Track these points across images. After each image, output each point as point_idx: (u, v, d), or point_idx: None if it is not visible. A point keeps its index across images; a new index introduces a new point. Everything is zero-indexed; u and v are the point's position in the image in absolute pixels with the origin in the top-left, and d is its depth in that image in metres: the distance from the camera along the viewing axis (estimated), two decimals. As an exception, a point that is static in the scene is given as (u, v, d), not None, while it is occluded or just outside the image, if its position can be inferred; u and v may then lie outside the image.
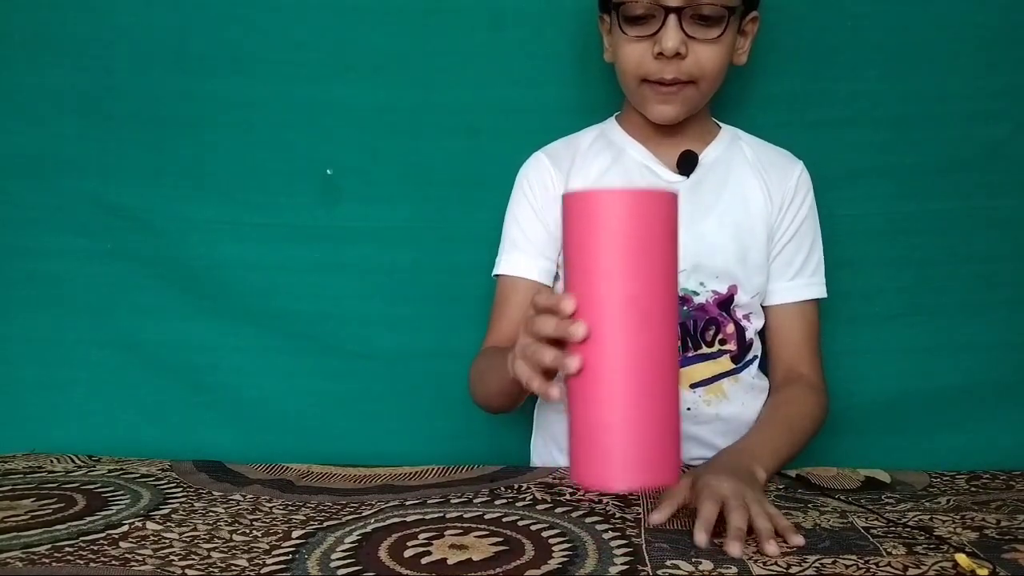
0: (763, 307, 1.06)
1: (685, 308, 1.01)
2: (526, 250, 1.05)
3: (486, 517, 0.79)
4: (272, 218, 1.18)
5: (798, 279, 1.05)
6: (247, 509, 0.82)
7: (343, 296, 1.18)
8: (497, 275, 1.07)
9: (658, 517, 0.76)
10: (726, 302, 1.02)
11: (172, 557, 0.70)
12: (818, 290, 1.06)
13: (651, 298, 0.64)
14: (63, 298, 1.17)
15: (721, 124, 1.10)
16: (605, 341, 0.64)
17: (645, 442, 0.64)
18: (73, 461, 0.99)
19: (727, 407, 1.02)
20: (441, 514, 0.79)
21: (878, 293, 1.16)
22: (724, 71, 1.00)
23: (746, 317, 1.04)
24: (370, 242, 1.18)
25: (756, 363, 1.06)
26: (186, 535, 0.75)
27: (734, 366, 1.03)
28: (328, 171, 1.17)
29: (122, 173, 1.17)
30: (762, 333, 1.06)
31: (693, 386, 1.02)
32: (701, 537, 0.71)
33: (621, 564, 0.68)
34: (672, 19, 0.94)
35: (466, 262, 1.15)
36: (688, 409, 1.01)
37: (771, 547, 0.70)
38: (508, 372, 0.78)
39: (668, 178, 1.04)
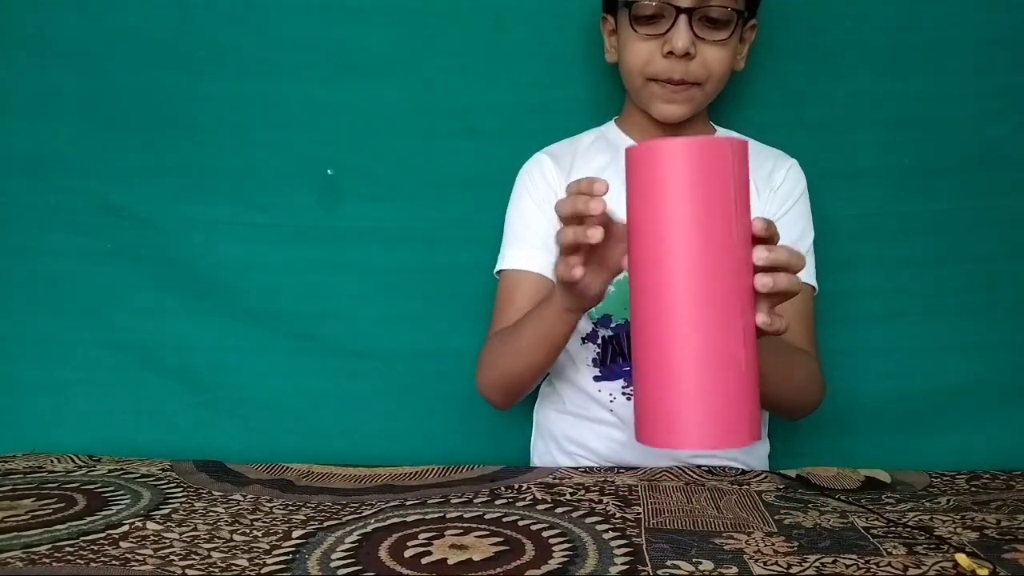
0: None
1: None
2: (531, 243, 1.05)
3: (486, 517, 0.79)
4: (273, 218, 1.18)
5: None
6: (247, 509, 0.82)
7: (344, 296, 1.18)
8: (500, 271, 1.07)
9: None
10: None
11: (172, 557, 0.70)
12: (808, 276, 1.02)
13: (719, 250, 0.63)
14: (63, 298, 1.18)
15: (717, 127, 1.11)
16: (675, 291, 0.63)
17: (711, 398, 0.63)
18: (73, 461, 0.99)
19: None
20: (441, 514, 0.79)
21: (878, 293, 1.16)
22: (728, 74, 1.02)
23: None
24: (371, 242, 1.18)
25: None
26: (186, 535, 0.75)
27: None
28: (329, 171, 1.17)
29: (123, 173, 1.17)
30: None
31: None
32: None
33: (621, 564, 0.68)
34: (683, 19, 0.95)
35: (467, 262, 1.15)
36: None
37: None
38: (551, 309, 0.86)
39: None
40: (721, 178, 0.63)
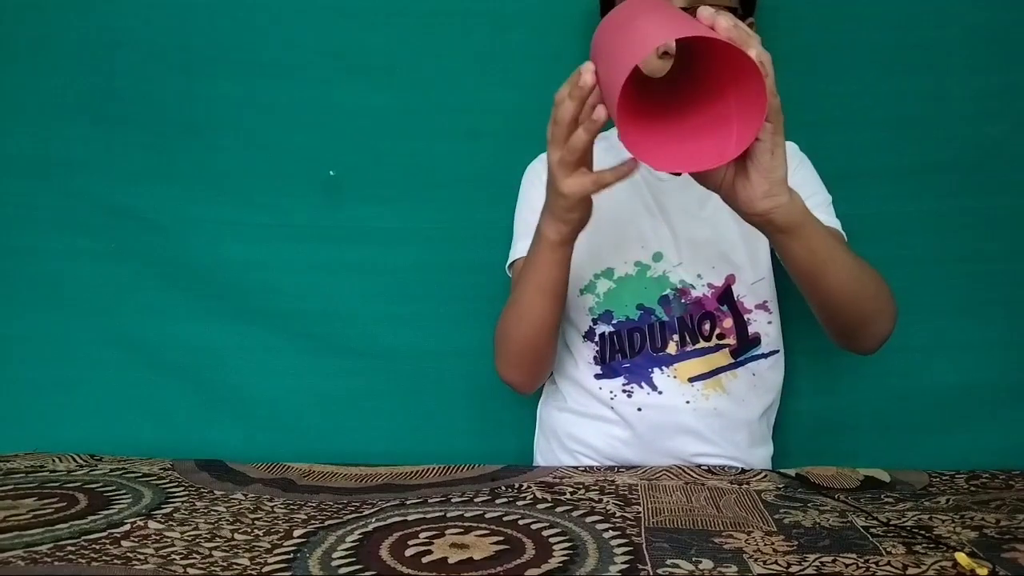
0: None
1: (683, 301, 1.02)
2: None
3: (487, 516, 0.79)
4: (275, 218, 1.18)
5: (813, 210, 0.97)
6: (249, 508, 0.82)
7: (346, 296, 1.19)
8: (512, 263, 1.06)
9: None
10: (725, 295, 1.02)
11: (174, 556, 0.70)
12: (837, 224, 1.00)
13: None
14: (66, 298, 1.18)
15: None
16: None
17: None
18: (75, 460, 0.99)
19: (725, 402, 1.03)
20: (442, 513, 0.80)
21: (877, 293, 1.16)
22: None
23: (755, 308, 1.03)
24: (373, 242, 1.18)
25: (767, 359, 1.04)
26: (188, 534, 0.75)
27: (732, 360, 1.03)
28: (331, 172, 1.18)
29: (126, 174, 1.18)
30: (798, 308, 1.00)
31: (691, 380, 1.02)
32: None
33: (621, 563, 0.68)
34: None
35: (468, 262, 1.15)
36: (687, 402, 1.02)
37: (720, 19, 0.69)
38: (540, 254, 0.87)
39: (662, 176, 1.05)
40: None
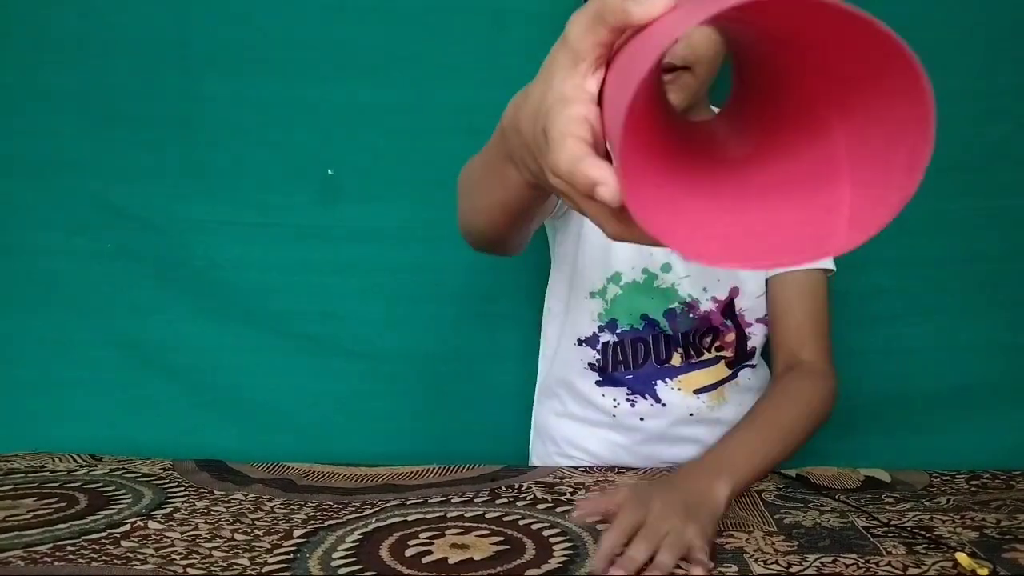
0: (765, 283, 1.02)
1: (690, 316, 1.01)
2: None
3: (487, 516, 0.79)
4: (273, 218, 1.18)
5: None
6: (249, 508, 0.82)
7: (344, 296, 1.18)
8: None
9: (576, 515, 0.72)
10: (728, 308, 1.02)
11: (174, 556, 0.70)
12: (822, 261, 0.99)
13: None
14: (64, 298, 1.18)
15: None
16: None
17: None
18: (75, 460, 0.99)
19: (727, 410, 1.02)
20: (442, 513, 0.80)
21: (878, 293, 1.16)
22: (721, 54, 0.96)
23: (755, 322, 1.03)
24: (371, 242, 1.18)
25: (751, 368, 1.05)
26: (188, 534, 0.75)
27: (729, 371, 1.03)
28: (329, 171, 1.17)
29: (122, 173, 1.17)
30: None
31: (697, 392, 1.02)
32: (597, 565, 0.66)
33: (622, 563, 0.68)
34: None
35: (467, 262, 1.14)
36: (691, 415, 1.02)
37: None
38: (514, 179, 0.61)
39: None
40: None
